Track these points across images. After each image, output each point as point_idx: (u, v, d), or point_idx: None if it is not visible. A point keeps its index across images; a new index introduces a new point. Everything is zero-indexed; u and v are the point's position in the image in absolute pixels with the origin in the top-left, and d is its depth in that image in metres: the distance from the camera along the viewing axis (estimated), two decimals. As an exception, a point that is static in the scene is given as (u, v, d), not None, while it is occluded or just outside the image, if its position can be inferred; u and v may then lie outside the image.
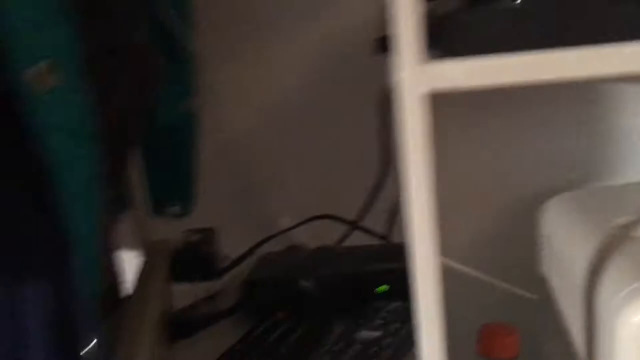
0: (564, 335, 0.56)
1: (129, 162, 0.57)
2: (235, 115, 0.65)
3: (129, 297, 0.51)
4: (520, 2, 0.31)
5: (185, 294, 0.55)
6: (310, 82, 0.67)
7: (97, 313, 0.34)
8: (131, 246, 0.61)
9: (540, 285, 0.63)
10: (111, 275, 0.45)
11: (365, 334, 0.44)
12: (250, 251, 0.59)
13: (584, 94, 0.67)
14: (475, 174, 0.68)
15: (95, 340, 0.33)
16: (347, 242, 0.66)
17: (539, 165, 0.68)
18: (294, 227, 0.64)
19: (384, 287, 0.50)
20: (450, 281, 0.70)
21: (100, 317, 0.35)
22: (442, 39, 0.32)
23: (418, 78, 0.31)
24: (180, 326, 0.50)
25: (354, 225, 0.65)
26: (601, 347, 0.44)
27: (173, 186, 0.67)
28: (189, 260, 0.55)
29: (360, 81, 0.64)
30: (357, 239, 0.66)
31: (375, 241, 0.64)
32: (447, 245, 0.69)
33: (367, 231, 0.65)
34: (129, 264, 0.58)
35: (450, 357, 0.63)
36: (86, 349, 0.33)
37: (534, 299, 0.66)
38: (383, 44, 0.49)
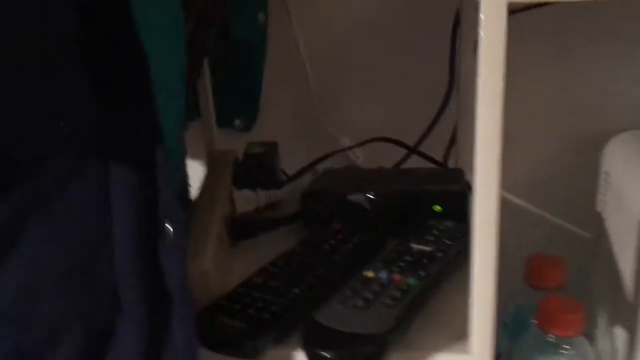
0: (613, 273, 0.56)
1: (201, 72, 0.59)
2: (304, 32, 0.65)
3: (196, 200, 0.54)
4: None
5: (247, 200, 0.58)
6: (383, 3, 0.67)
7: (181, 200, 0.37)
8: (197, 155, 0.64)
9: (596, 224, 0.63)
10: (183, 176, 0.48)
11: (417, 247, 0.46)
12: (310, 166, 0.61)
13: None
14: (541, 107, 0.67)
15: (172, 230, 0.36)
16: (405, 167, 0.67)
17: (607, 103, 0.66)
18: (353, 147, 0.65)
19: (438, 208, 0.51)
20: (506, 213, 0.71)
21: (183, 204, 0.38)
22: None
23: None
24: (243, 228, 0.53)
25: (412, 150, 0.66)
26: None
27: (239, 100, 0.69)
28: (251, 169, 0.58)
29: (435, 4, 0.64)
30: (415, 164, 0.67)
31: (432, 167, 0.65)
32: (505, 177, 0.69)
33: (425, 156, 0.66)
34: (194, 172, 0.62)
35: (498, 285, 0.65)
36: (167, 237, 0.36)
37: (588, 236, 0.66)
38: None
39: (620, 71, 0.65)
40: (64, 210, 0.35)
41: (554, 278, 0.58)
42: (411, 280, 0.42)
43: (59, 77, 0.32)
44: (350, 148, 0.64)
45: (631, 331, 0.51)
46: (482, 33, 0.33)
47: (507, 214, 0.69)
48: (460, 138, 0.65)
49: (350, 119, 0.70)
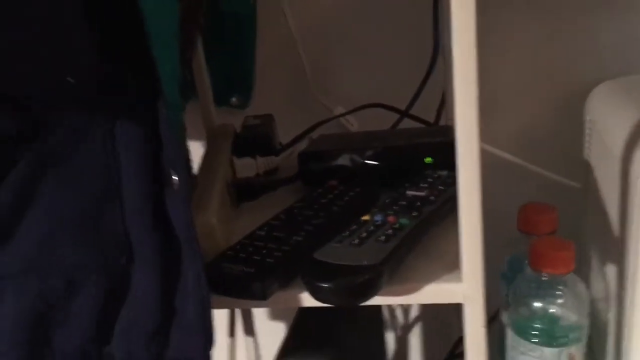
0: (601, 217, 0.58)
1: (195, 48, 0.61)
2: (292, 5, 0.68)
3: (199, 169, 0.57)
4: None
5: (247, 167, 0.61)
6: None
7: (182, 146, 0.39)
8: (197, 135, 0.67)
9: (583, 173, 0.66)
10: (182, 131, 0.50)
11: (411, 193, 0.48)
12: (305, 133, 0.64)
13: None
14: (523, 65, 0.70)
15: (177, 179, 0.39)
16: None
17: (586, 56, 0.69)
18: (346, 114, 0.68)
19: (428, 159, 0.54)
20: (497, 169, 0.74)
21: (184, 149, 0.40)
22: None
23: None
24: (244, 190, 0.55)
25: (404, 113, 0.69)
26: (635, 222, 0.47)
27: (233, 77, 0.72)
28: (249, 139, 0.61)
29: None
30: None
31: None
32: (496, 133, 0.72)
33: (416, 119, 0.68)
34: (195, 152, 0.64)
35: (494, 234, 0.67)
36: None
37: (577, 186, 0.68)
38: None
39: (595, 26, 0.67)
40: (75, 164, 0.37)
41: (546, 224, 0.60)
42: (404, 220, 0.44)
43: (63, 31, 0.34)
44: (343, 115, 0.67)
45: (620, 270, 0.53)
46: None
47: (500, 169, 0.73)
48: (448, 99, 0.68)
49: (343, 88, 0.73)
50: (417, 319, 0.84)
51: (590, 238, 0.63)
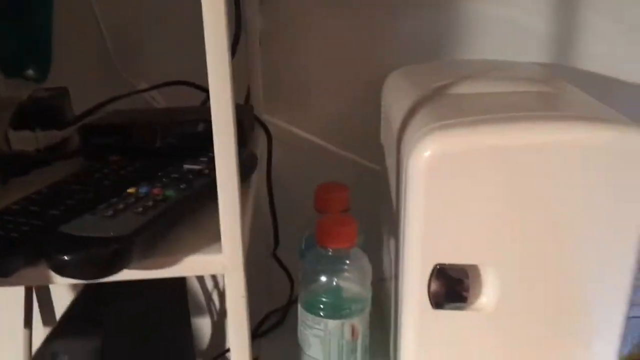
0: (388, 196, 0.61)
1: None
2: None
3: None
4: None
5: (28, 141, 0.56)
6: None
7: None
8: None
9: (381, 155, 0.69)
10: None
11: (188, 167, 0.47)
12: (98, 107, 0.60)
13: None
14: (329, 53, 0.72)
15: None
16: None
17: (386, 45, 0.72)
18: (147, 90, 0.65)
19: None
20: (308, 153, 0.75)
21: None
22: None
23: None
24: (12, 164, 0.51)
25: (208, 91, 0.67)
26: (403, 188, 0.50)
27: (26, 48, 0.66)
28: (34, 111, 0.56)
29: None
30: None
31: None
32: (307, 119, 0.73)
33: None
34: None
35: (297, 214, 0.68)
36: None
37: (377, 168, 0.71)
38: None
39: (393, 18, 0.71)
40: None
41: (337, 202, 0.62)
42: (170, 192, 0.43)
43: None
44: (142, 91, 0.64)
45: (397, 246, 0.56)
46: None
47: (310, 153, 0.74)
48: (252, 78, 0.68)
49: (150, 65, 0.70)
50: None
51: (383, 217, 0.66)
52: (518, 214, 0.47)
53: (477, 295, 0.50)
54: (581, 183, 0.46)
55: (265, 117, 0.70)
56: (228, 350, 0.76)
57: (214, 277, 0.81)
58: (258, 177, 0.70)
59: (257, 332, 0.67)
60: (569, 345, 0.51)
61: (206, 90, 0.67)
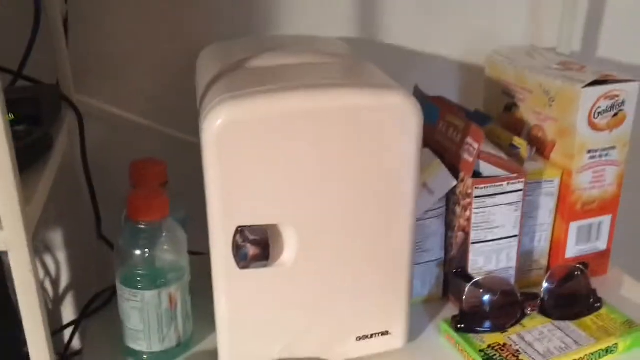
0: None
1: None
2: None
3: None
4: None
5: None
6: None
7: None
8: None
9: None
10: None
11: None
12: None
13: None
14: (141, 31, 0.72)
15: None
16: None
17: (201, 20, 0.74)
18: None
19: (10, 116, 0.52)
20: (125, 130, 0.75)
21: None
22: None
23: None
24: None
25: (17, 74, 0.65)
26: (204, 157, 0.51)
27: None
28: None
29: None
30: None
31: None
32: (123, 97, 0.73)
33: (30, 79, 0.66)
34: None
35: (116, 193, 0.68)
36: None
37: (197, 142, 0.73)
38: None
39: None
40: None
41: (153, 177, 0.63)
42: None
43: None
44: None
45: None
46: None
47: (128, 130, 0.74)
48: (58, 57, 0.67)
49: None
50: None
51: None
52: (305, 175, 0.51)
53: (279, 253, 0.54)
54: (355, 143, 0.51)
55: (78, 98, 0.69)
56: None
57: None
58: (72, 156, 0.69)
59: (86, 312, 0.67)
60: (362, 294, 0.57)
61: (13, 73, 0.65)
